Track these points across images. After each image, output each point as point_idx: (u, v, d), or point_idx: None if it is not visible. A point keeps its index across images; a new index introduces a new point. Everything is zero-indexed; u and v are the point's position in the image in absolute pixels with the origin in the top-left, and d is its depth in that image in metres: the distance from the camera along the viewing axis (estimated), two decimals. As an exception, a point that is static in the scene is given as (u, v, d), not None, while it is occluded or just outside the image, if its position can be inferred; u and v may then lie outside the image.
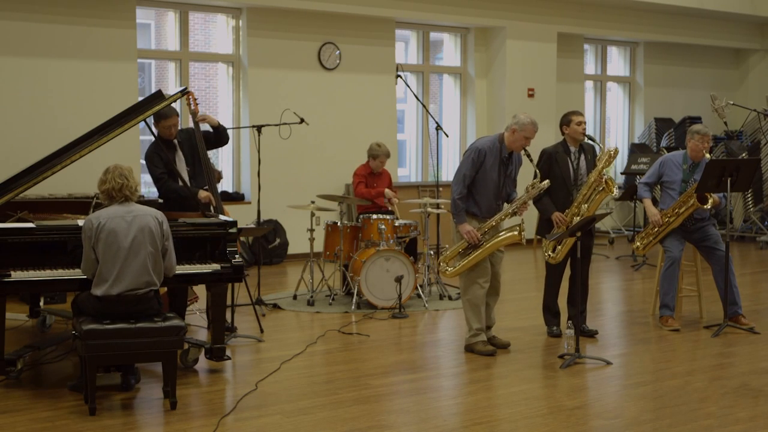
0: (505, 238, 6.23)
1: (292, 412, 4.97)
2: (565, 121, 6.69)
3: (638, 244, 7.31)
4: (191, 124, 6.80)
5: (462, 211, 6.23)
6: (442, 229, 9.46)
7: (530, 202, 6.37)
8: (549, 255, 6.58)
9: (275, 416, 4.90)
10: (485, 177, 6.24)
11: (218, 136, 6.92)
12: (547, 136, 11.33)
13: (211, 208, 6.54)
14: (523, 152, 6.29)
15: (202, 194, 6.55)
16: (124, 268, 4.94)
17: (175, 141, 6.70)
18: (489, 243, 6.22)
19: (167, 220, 5.24)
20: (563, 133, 6.70)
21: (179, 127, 6.76)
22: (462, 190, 6.22)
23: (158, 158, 6.59)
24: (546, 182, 6.33)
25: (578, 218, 6.30)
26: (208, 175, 6.66)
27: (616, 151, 6.50)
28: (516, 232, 6.22)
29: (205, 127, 6.83)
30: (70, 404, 5.03)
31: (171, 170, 6.54)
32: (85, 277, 5.13)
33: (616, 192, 6.43)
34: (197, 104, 6.79)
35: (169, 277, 5.29)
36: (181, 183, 6.43)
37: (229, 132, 7.23)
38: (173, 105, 6.52)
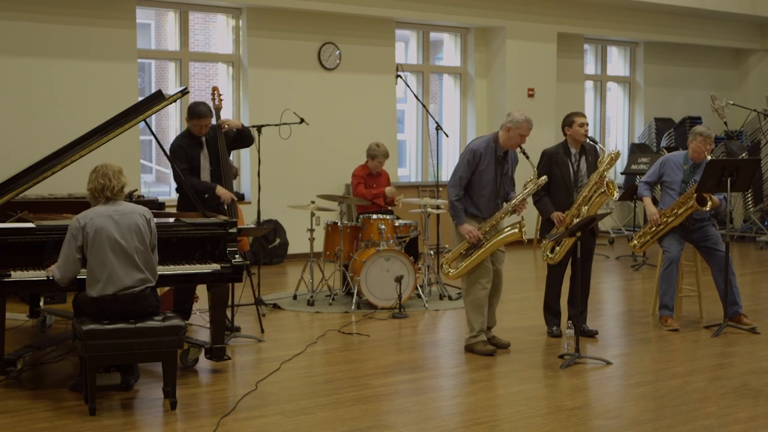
0: (506, 236, 6.23)
1: (292, 412, 4.97)
2: (568, 122, 6.66)
3: (635, 242, 7.30)
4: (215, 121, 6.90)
5: (461, 212, 6.23)
6: (442, 229, 9.46)
7: (529, 200, 6.37)
8: (548, 256, 6.59)
9: (275, 416, 4.90)
10: (482, 177, 6.24)
11: (242, 138, 6.97)
12: (547, 136, 11.35)
13: (225, 206, 6.60)
14: (519, 150, 6.30)
15: (221, 191, 6.60)
16: (115, 267, 4.92)
17: (203, 138, 6.75)
18: (490, 242, 6.22)
19: (168, 219, 5.24)
20: (565, 134, 6.68)
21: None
22: (459, 191, 6.22)
23: (182, 152, 6.63)
24: (543, 178, 6.34)
25: (577, 220, 6.30)
26: (226, 175, 6.73)
27: (618, 154, 6.49)
28: (517, 230, 6.23)
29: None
30: (70, 404, 5.03)
31: (194, 167, 6.60)
32: (81, 278, 5.04)
33: (616, 195, 6.42)
34: (221, 100, 6.95)
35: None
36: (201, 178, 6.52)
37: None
38: (209, 105, 6.77)
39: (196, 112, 6.66)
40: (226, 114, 10.64)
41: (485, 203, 6.28)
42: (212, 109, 6.86)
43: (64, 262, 4.99)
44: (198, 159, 6.71)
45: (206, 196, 6.51)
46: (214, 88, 7.01)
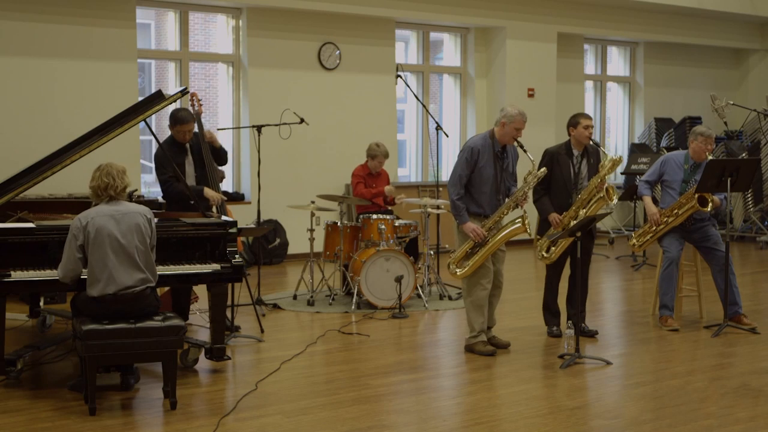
0: (510, 231, 6.23)
1: (292, 412, 4.97)
2: (573, 123, 6.65)
3: (634, 241, 7.29)
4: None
5: (463, 210, 6.23)
6: (442, 229, 9.46)
7: (530, 193, 6.38)
8: (543, 255, 6.60)
9: (275, 416, 4.90)
10: (481, 174, 6.24)
11: (218, 156, 6.95)
12: (547, 136, 11.35)
13: (215, 208, 6.58)
14: (515, 143, 6.31)
15: (210, 193, 6.59)
16: (116, 267, 4.92)
17: (187, 145, 6.74)
18: (495, 238, 6.22)
19: (168, 220, 5.23)
20: (569, 134, 6.68)
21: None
22: (459, 190, 6.23)
23: (167, 160, 6.59)
24: (543, 170, 6.35)
25: (575, 222, 6.29)
26: (212, 177, 6.71)
27: (620, 159, 6.49)
28: (520, 224, 6.22)
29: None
30: (70, 404, 5.03)
31: (179, 173, 6.58)
32: (82, 278, 5.05)
33: (615, 200, 6.41)
34: (201, 104, 6.87)
35: None
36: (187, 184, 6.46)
37: (229, 132, 7.28)
38: (190, 110, 6.73)
39: (179, 118, 6.61)
40: (226, 113, 10.68)
41: (486, 200, 6.28)
42: (192, 113, 6.81)
43: (66, 262, 5.01)
44: (183, 166, 6.68)
45: (192, 202, 6.42)
46: (193, 94, 6.90)
